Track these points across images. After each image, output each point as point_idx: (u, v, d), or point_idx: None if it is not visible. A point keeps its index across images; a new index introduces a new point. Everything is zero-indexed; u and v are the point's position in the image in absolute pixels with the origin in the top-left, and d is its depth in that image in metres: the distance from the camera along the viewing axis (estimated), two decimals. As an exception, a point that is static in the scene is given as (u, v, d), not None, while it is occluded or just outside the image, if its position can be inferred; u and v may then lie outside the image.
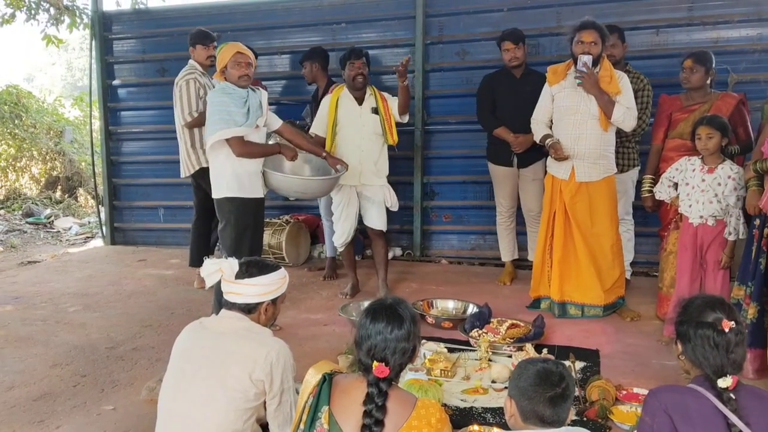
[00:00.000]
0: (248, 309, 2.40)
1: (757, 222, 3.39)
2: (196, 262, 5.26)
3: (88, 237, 8.38)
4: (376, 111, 4.76)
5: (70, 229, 8.87)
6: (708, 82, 4.35)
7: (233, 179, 4.06)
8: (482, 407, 3.06)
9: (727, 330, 1.99)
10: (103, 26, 7.28)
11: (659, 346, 3.92)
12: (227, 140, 3.98)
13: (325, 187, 4.63)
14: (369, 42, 6.28)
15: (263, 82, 5.78)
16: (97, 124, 7.68)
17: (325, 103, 4.91)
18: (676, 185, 4.00)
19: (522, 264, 5.58)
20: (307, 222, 6.42)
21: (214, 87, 4.52)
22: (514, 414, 1.97)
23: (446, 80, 6.33)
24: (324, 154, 4.56)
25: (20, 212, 9.70)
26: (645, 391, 2.81)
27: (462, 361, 3.58)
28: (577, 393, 2.99)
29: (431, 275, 5.78)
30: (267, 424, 2.38)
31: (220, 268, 2.41)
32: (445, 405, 2.99)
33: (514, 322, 4.04)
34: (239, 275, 2.40)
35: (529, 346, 3.59)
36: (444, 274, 5.87)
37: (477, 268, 6.09)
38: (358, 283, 5.21)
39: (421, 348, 3.16)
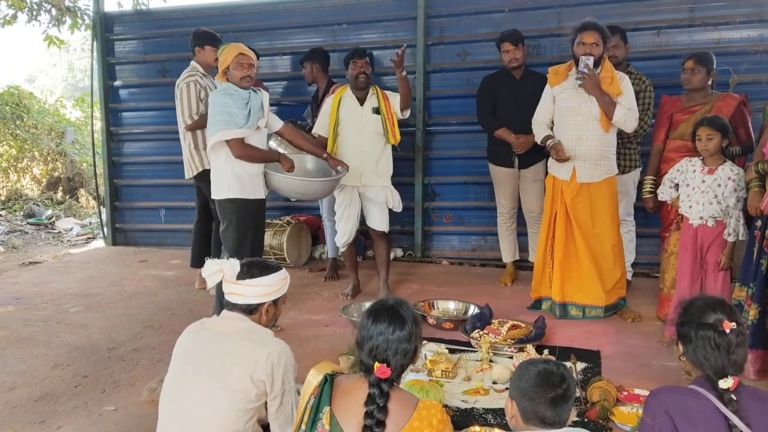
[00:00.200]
0: (249, 310, 2.41)
1: (759, 223, 3.39)
2: (198, 262, 5.27)
3: (89, 238, 8.39)
4: (377, 111, 4.75)
5: (71, 229, 8.88)
6: (709, 83, 4.35)
7: (234, 180, 4.06)
8: (483, 408, 3.06)
9: (728, 331, 1.99)
10: (105, 27, 7.28)
11: (660, 347, 3.92)
12: (227, 141, 3.99)
13: (326, 188, 4.63)
14: (370, 43, 6.28)
15: (264, 83, 5.79)
16: (98, 124, 7.69)
17: (328, 103, 4.91)
18: (677, 186, 4.00)
19: (523, 265, 5.58)
20: (308, 223, 6.43)
21: (215, 88, 4.53)
22: (515, 415, 1.97)
23: (447, 81, 6.33)
24: (324, 155, 4.56)
25: (22, 213, 9.71)
26: (646, 392, 2.81)
27: (463, 362, 3.58)
28: (578, 394, 2.99)
29: (432, 276, 5.78)
30: (268, 424, 2.38)
31: (221, 269, 2.42)
32: (446, 406, 2.99)
33: (515, 323, 4.04)
34: (240, 276, 2.40)
35: (530, 347, 3.59)
36: (445, 275, 5.87)
37: (478, 269, 6.09)
38: (359, 284, 5.21)
39: (422, 349, 3.17)
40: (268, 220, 5.89)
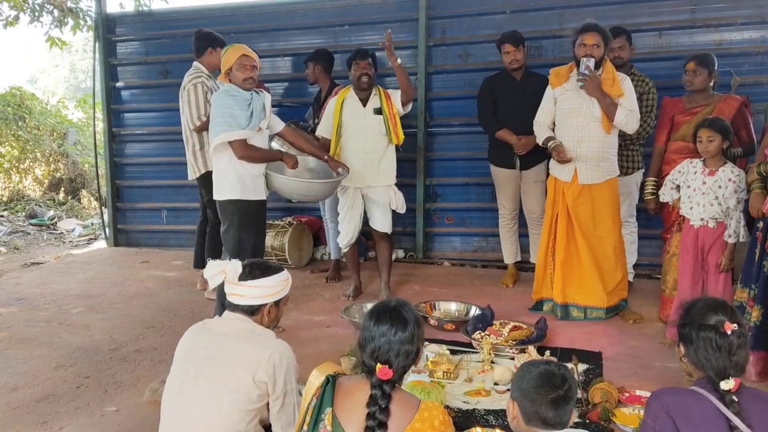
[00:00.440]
0: (251, 311, 2.41)
1: (761, 225, 3.39)
2: (201, 263, 5.28)
3: (91, 238, 8.40)
4: (379, 111, 4.75)
5: (73, 230, 8.89)
6: (711, 84, 4.36)
7: (236, 181, 4.07)
8: (485, 409, 3.06)
9: (729, 332, 1.99)
10: (107, 28, 7.30)
11: (662, 349, 3.92)
12: (230, 142, 3.99)
13: (327, 189, 4.64)
14: (372, 44, 6.25)
15: (266, 84, 5.79)
16: (100, 125, 7.70)
17: (331, 105, 4.92)
18: (678, 187, 4.00)
19: (524, 266, 5.57)
20: (309, 224, 6.43)
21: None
22: (517, 416, 1.97)
23: (449, 82, 6.33)
24: (325, 157, 4.57)
25: (24, 214, 9.73)
26: (647, 394, 2.81)
27: (464, 363, 3.58)
28: (579, 395, 3.00)
29: (434, 277, 5.78)
30: (270, 425, 2.39)
31: (223, 270, 2.42)
32: (447, 407, 2.99)
33: (517, 324, 4.04)
34: (242, 277, 2.41)
35: (531, 348, 3.59)
36: (446, 276, 5.87)
37: (479, 270, 6.09)
38: (361, 285, 5.21)
39: (423, 350, 3.17)
40: (270, 221, 5.89)
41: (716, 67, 4.37)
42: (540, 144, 4.58)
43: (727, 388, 1.96)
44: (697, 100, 4.37)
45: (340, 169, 4.54)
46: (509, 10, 6.02)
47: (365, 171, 4.78)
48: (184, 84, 4.96)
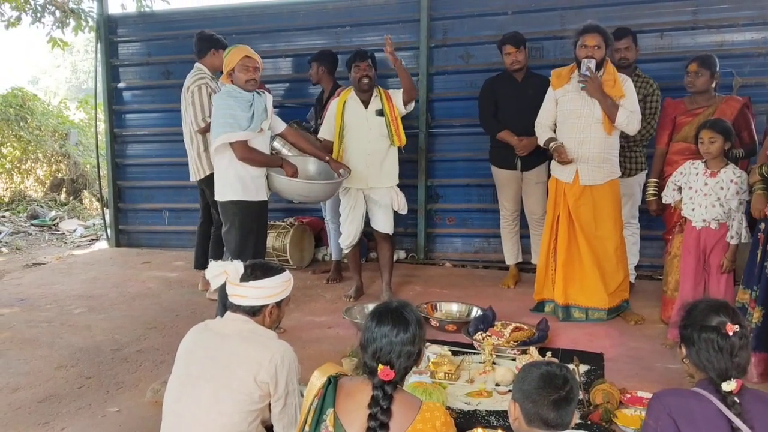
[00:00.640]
0: (253, 311, 2.41)
1: (763, 226, 3.39)
2: (201, 264, 5.28)
3: (92, 239, 8.40)
4: (381, 113, 4.75)
5: (74, 231, 8.89)
6: (713, 85, 4.36)
7: (237, 182, 4.07)
8: (486, 410, 3.06)
9: (731, 334, 1.99)
10: (108, 29, 7.30)
11: (663, 350, 3.92)
12: (230, 144, 4.00)
13: (328, 190, 4.64)
14: (373, 45, 6.25)
15: (267, 85, 5.79)
16: (101, 126, 7.71)
17: (332, 107, 4.92)
18: (680, 189, 4.00)
19: (526, 267, 5.57)
20: (311, 225, 6.43)
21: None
22: (518, 417, 1.97)
23: (450, 83, 6.33)
24: (327, 158, 4.57)
25: (25, 214, 9.74)
26: (649, 395, 2.81)
27: (466, 364, 3.58)
28: (581, 396, 3.00)
29: (435, 278, 5.78)
30: (272, 426, 2.39)
31: (225, 271, 2.42)
32: (449, 408, 2.99)
33: (518, 325, 4.04)
34: (244, 278, 2.41)
35: (533, 350, 3.58)
36: (448, 277, 5.87)
37: (481, 271, 6.09)
38: (363, 285, 5.21)
39: (425, 351, 3.17)
40: (271, 222, 5.89)
41: (718, 69, 4.37)
42: (541, 145, 4.58)
43: (729, 390, 1.96)
44: (699, 101, 4.37)
45: (341, 170, 4.54)
46: (511, 11, 6.01)
47: (367, 172, 4.78)
48: (187, 85, 4.95)
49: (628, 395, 3.13)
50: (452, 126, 6.36)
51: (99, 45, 7.32)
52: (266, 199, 4.26)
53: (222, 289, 2.73)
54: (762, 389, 2.76)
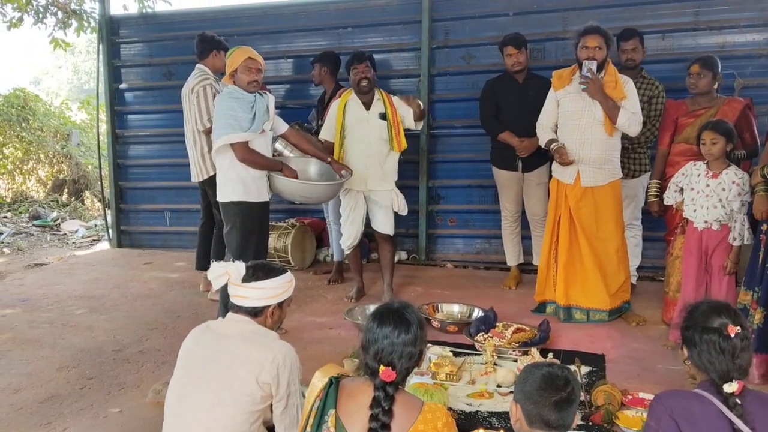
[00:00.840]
0: (255, 312, 2.42)
1: (765, 227, 3.39)
2: (203, 265, 5.28)
3: (94, 240, 8.41)
4: (384, 117, 4.76)
5: (76, 231, 8.90)
6: (714, 87, 4.35)
7: (239, 183, 4.07)
8: (488, 411, 3.06)
9: (732, 335, 1.99)
10: (111, 30, 7.31)
11: (665, 351, 3.92)
12: (231, 145, 4.00)
13: (330, 191, 4.64)
14: (375, 46, 6.29)
15: (268, 86, 5.79)
16: (103, 127, 7.72)
17: (334, 108, 4.92)
18: (682, 190, 4.00)
19: (527, 268, 5.57)
20: (312, 225, 6.44)
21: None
22: (520, 418, 1.97)
23: (452, 84, 6.33)
24: (329, 159, 4.57)
25: (27, 215, 9.74)
26: (650, 396, 2.81)
27: (467, 365, 3.58)
28: (582, 397, 2.99)
29: (436, 279, 5.78)
30: (273, 426, 2.39)
31: (226, 272, 2.43)
32: (450, 409, 2.99)
33: (520, 326, 4.04)
34: (246, 279, 2.41)
35: (534, 351, 3.58)
36: (449, 278, 5.86)
37: (482, 272, 6.08)
38: (364, 286, 5.21)
39: (426, 352, 3.17)
40: (273, 223, 5.90)
41: (720, 70, 4.37)
42: (542, 146, 4.58)
43: (731, 391, 1.95)
44: (701, 102, 4.36)
45: (343, 172, 4.54)
46: (512, 13, 6.01)
47: (368, 174, 4.78)
48: (192, 86, 4.96)
49: (630, 396, 3.13)
50: (454, 127, 6.36)
51: (101, 46, 7.33)
52: (268, 200, 4.26)
53: (224, 290, 2.73)
54: (763, 390, 2.75)
